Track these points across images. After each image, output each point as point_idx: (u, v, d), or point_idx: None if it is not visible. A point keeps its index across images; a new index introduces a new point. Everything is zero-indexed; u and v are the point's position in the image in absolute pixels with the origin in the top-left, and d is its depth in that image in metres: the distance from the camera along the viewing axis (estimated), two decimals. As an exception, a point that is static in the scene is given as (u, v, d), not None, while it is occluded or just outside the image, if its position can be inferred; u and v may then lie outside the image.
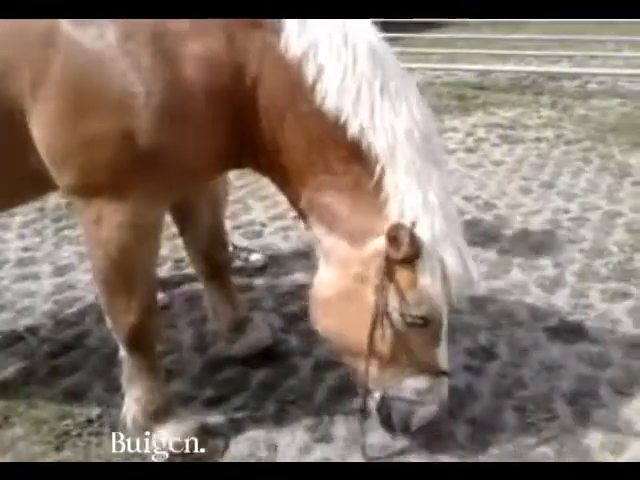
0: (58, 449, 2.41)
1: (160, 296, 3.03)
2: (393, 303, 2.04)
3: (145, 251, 2.17)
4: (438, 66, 8.19)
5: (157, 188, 2.06)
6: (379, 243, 1.99)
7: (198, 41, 1.93)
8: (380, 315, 2.04)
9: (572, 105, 6.68)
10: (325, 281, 2.14)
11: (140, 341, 2.28)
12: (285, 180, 2.12)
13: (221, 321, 2.82)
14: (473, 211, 4.23)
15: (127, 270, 2.15)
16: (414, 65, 7.18)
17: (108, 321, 2.32)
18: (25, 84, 1.96)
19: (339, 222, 2.05)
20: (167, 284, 3.42)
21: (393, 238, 1.92)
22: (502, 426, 2.46)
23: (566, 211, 4.23)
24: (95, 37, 1.90)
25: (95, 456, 2.37)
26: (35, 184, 2.22)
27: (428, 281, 1.99)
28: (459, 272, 2.00)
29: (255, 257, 3.65)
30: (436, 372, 2.16)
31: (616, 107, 6.55)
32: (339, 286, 2.09)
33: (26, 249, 3.92)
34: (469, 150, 5.49)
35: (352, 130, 1.94)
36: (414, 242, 1.92)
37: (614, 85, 7.38)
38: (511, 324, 3.06)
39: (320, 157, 2.01)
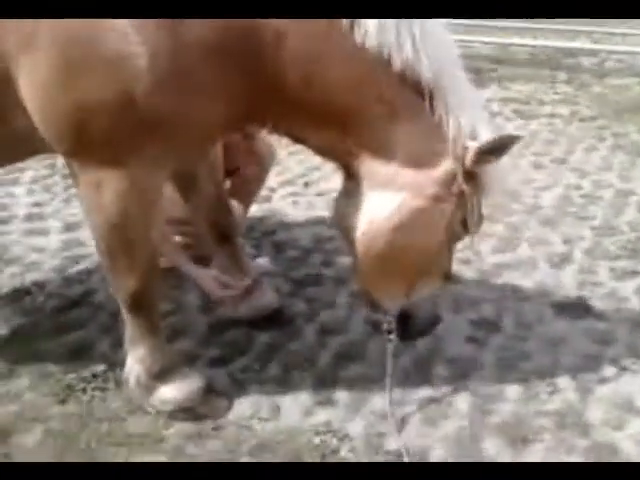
0: (63, 402, 2.43)
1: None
2: (460, 216, 2.18)
3: (146, 216, 2.15)
4: (454, 37, 8.06)
5: (158, 153, 2.00)
6: (449, 163, 2.06)
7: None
8: (453, 229, 2.19)
9: (589, 82, 6.60)
10: (391, 208, 2.11)
11: (141, 303, 2.28)
12: (322, 126, 2.07)
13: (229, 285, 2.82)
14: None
15: (127, 235, 2.13)
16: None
17: (109, 282, 2.33)
18: (12, 38, 1.86)
19: (398, 149, 2.06)
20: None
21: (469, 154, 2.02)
22: (504, 397, 2.48)
23: (578, 188, 4.21)
24: None
25: (99, 410, 2.40)
26: (21, 145, 2.15)
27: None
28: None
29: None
30: (449, 277, 2.38)
31: (633, 86, 6.46)
32: (413, 208, 2.11)
33: (36, 204, 3.92)
34: (482, 123, 5.43)
35: (398, 60, 1.93)
36: (486, 155, 2.02)
37: (632, 64, 7.27)
38: (517, 298, 3.05)
39: (369, 91, 1.99)
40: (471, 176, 2.09)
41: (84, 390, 2.48)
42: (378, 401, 2.45)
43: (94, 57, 1.82)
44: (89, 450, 2.25)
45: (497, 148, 2.03)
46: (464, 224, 2.21)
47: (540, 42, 8.01)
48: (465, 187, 2.10)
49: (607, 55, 7.53)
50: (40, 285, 3.09)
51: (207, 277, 2.88)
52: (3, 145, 2.17)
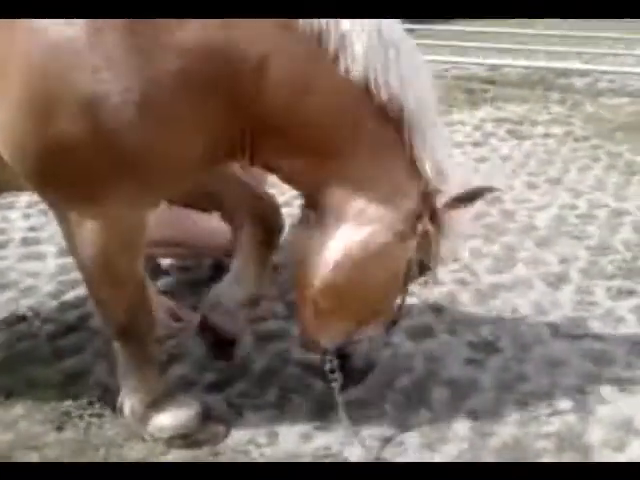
0: (59, 429, 2.41)
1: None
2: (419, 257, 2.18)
3: (129, 253, 2.09)
4: (448, 59, 8.14)
5: (135, 191, 1.93)
6: (417, 202, 2.08)
7: (183, 29, 1.78)
8: (410, 270, 2.18)
9: (582, 102, 6.64)
10: (356, 242, 2.08)
11: (131, 335, 2.23)
12: (298, 155, 2.03)
13: (237, 292, 2.59)
14: (479, 205, 4.19)
15: (110, 270, 2.08)
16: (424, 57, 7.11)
17: (97, 314, 2.30)
18: None
19: (370, 183, 2.05)
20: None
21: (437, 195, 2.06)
22: (503, 419, 2.46)
23: (573, 207, 4.21)
24: (63, 25, 1.73)
25: (95, 437, 2.38)
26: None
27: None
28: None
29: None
30: (395, 322, 2.36)
31: (626, 106, 6.50)
32: (378, 244, 2.09)
33: (31, 229, 3.90)
34: (476, 144, 5.46)
35: (382, 93, 1.93)
36: (456, 202, 2.06)
37: (624, 84, 7.33)
38: (515, 319, 3.05)
39: (349, 124, 1.98)
40: (437, 218, 2.12)
41: (81, 417, 2.45)
42: (377, 425, 2.44)
43: (64, 95, 1.75)
44: (85, 478, 2.23)
45: (469, 197, 2.06)
46: (421, 265, 2.21)
47: (533, 63, 8.07)
48: (430, 228, 2.12)
49: (600, 75, 7.59)
50: (35, 310, 3.08)
51: (162, 307, 2.79)
52: None
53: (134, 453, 2.32)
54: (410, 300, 3.09)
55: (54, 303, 3.13)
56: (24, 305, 3.12)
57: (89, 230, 1.97)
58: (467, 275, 3.38)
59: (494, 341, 2.89)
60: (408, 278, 2.20)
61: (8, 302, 3.14)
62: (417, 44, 2.09)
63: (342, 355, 2.28)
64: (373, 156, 2.02)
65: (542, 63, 8.04)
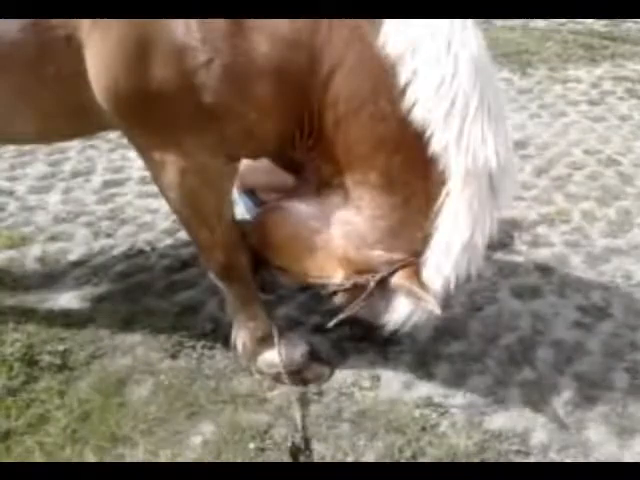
0: (173, 357, 2.55)
1: None
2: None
3: (214, 195, 2.17)
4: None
5: (214, 141, 2.02)
6: (384, 260, 2.08)
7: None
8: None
9: None
10: (316, 223, 2.16)
11: (231, 275, 2.34)
12: (328, 162, 2.08)
13: None
14: (593, 165, 4.04)
15: (198, 211, 2.18)
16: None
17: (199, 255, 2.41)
18: None
19: (367, 212, 2.07)
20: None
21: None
22: (610, 385, 2.41)
23: (696, 173, 3.98)
24: None
25: (207, 367, 2.50)
26: (91, 117, 2.13)
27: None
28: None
29: None
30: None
31: None
32: (324, 245, 2.15)
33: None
34: (593, 103, 5.20)
35: (434, 145, 1.87)
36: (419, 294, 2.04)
37: None
38: (628, 285, 2.95)
39: (385, 162, 1.98)
40: (385, 285, 2.10)
41: (193, 347, 2.59)
42: (479, 379, 2.45)
43: (160, 42, 1.86)
44: (197, 405, 2.36)
45: (415, 295, 2.04)
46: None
47: (658, 18, 7.55)
48: (371, 285, 2.10)
49: None
50: (152, 245, 3.23)
51: None
52: (73, 115, 2.17)
53: (242, 387, 2.43)
54: (516, 259, 3.07)
55: (169, 240, 3.27)
56: (142, 240, 3.27)
57: (174, 174, 2.08)
58: (579, 237, 3.27)
59: (605, 307, 2.80)
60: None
61: (127, 236, 3.30)
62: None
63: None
64: (391, 200, 2.03)
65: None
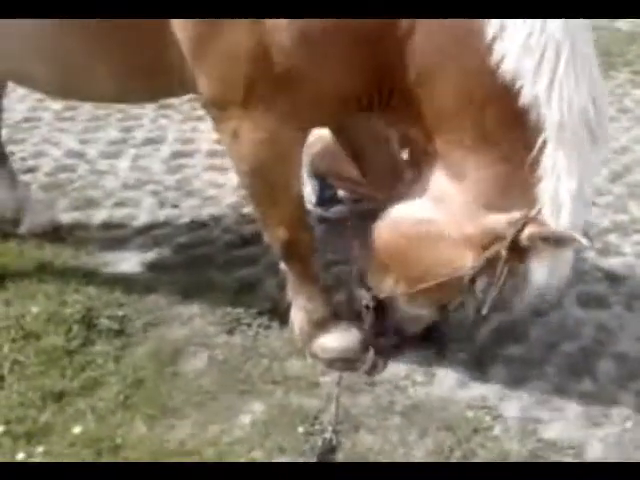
0: (229, 333, 2.57)
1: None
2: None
3: (285, 168, 2.19)
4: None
5: (287, 108, 2.03)
6: (505, 223, 1.96)
7: None
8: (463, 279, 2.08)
9: None
10: (423, 219, 2.09)
11: (293, 253, 2.34)
12: (415, 122, 2.04)
13: None
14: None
15: (269, 185, 2.20)
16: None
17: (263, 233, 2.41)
18: None
19: (471, 180, 1.99)
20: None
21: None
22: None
23: None
24: None
25: (261, 346, 2.51)
26: (172, 77, 2.16)
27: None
28: (540, 282, 2.02)
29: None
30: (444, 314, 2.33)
31: None
32: (440, 236, 2.06)
33: (219, 141, 4.05)
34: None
35: (525, 97, 1.81)
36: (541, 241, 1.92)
37: None
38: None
39: (476, 118, 1.92)
40: (519, 249, 1.97)
41: (249, 325, 2.60)
42: (536, 385, 2.39)
43: None
44: (249, 383, 2.38)
45: (555, 240, 1.91)
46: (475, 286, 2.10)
47: None
48: (504, 253, 1.97)
49: None
50: (216, 219, 3.24)
51: None
52: (156, 73, 2.19)
53: (295, 369, 2.44)
54: (584, 266, 2.97)
55: (234, 215, 3.28)
56: (206, 213, 3.29)
57: (247, 140, 2.10)
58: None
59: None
60: (460, 286, 2.11)
61: (192, 209, 3.32)
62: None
63: (378, 304, 2.32)
64: (489, 157, 1.94)
65: None
